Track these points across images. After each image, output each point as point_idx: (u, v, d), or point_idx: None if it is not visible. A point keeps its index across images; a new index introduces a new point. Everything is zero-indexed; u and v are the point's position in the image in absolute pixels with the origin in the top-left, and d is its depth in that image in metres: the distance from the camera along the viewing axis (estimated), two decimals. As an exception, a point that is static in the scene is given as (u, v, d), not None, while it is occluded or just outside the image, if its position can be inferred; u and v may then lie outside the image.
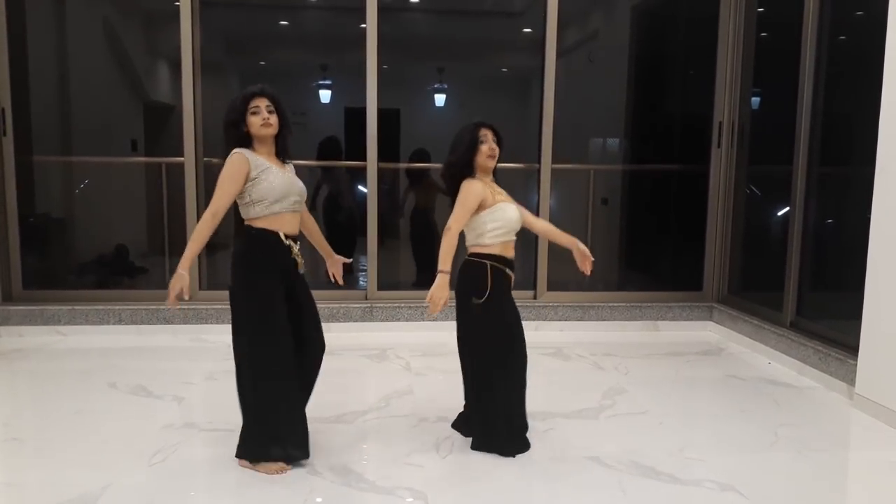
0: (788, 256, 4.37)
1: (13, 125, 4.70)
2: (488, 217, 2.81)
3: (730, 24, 5.02)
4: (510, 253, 2.89)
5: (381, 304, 4.82)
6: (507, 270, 2.87)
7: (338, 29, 7.33)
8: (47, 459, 2.80)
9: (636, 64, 6.33)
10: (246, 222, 2.68)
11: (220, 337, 4.64)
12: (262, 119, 2.65)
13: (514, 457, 2.82)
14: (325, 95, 8.06)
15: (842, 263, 4.30)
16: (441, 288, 2.70)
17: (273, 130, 2.69)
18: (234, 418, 3.18)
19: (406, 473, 2.69)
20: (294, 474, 2.67)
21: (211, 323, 4.73)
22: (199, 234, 2.59)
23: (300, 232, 2.82)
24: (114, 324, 4.68)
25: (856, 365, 3.53)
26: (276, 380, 2.64)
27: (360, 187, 5.08)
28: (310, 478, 2.64)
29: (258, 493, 2.54)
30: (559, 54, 4.95)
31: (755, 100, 5.00)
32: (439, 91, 8.03)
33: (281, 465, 2.67)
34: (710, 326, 5.08)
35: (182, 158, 4.81)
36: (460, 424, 3.00)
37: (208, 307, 4.75)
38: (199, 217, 4.78)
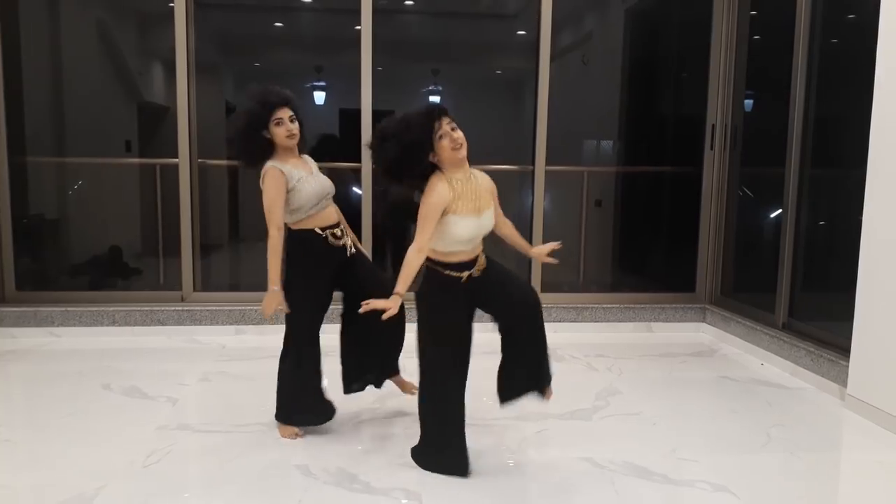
0: (781, 258, 4.39)
1: (6, 126, 4.69)
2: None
3: (723, 27, 5.05)
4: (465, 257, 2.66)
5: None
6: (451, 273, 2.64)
7: (332, 30, 7.34)
8: (41, 461, 2.80)
9: (630, 66, 6.35)
10: (288, 224, 2.90)
11: (213, 338, 4.64)
12: (286, 130, 2.77)
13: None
14: (319, 97, 8.07)
15: (834, 265, 4.33)
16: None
17: (297, 139, 2.84)
18: (227, 419, 3.20)
19: (400, 474, 2.70)
20: (288, 475, 2.68)
21: (205, 324, 4.73)
22: (274, 249, 2.78)
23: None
24: (108, 325, 4.67)
25: (847, 366, 3.55)
26: (310, 357, 3.00)
27: (355, 189, 5.09)
28: (304, 479, 2.65)
29: (252, 493, 2.54)
30: (553, 56, 4.97)
31: (748, 102, 5.03)
32: (434, 93, 8.04)
33: (295, 430, 2.99)
34: (703, 328, 5.10)
35: (176, 159, 4.81)
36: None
37: (202, 308, 4.75)
38: (192, 218, 4.81)
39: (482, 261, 2.70)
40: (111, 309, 4.69)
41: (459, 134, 2.54)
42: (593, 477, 2.71)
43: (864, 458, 3.05)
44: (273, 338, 4.65)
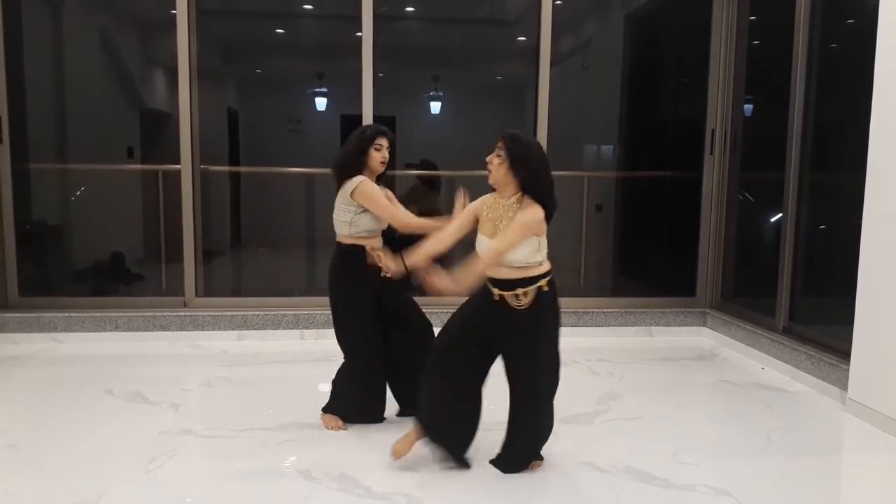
0: (781, 262, 4.40)
1: (9, 132, 4.71)
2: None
3: (722, 32, 5.07)
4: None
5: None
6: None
7: (333, 37, 7.37)
8: (43, 467, 2.81)
9: (630, 71, 6.37)
10: (339, 238, 3.13)
11: (216, 343, 4.65)
12: (382, 157, 3.10)
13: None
14: (320, 103, 8.09)
15: (834, 269, 4.34)
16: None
17: (384, 168, 3.14)
18: (230, 424, 3.21)
19: (402, 478, 2.70)
20: (290, 480, 2.68)
21: (207, 329, 4.74)
22: (420, 225, 3.04)
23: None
24: (110, 331, 4.68)
25: (848, 370, 3.56)
26: (361, 359, 3.17)
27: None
28: (306, 483, 2.66)
29: (255, 498, 2.54)
30: (553, 62, 4.99)
31: (748, 107, 5.04)
32: (435, 99, 8.07)
33: (341, 423, 3.19)
34: (704, 332, 5.11)
35: (178, 166, 4.83)
36: None
37: (204, 314, 4.76)
38: (194, 224, 4.84)
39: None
40: (114, 315, 4.70)
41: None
42: (595, 481, 2.72)
43: (864, 461, 3.05)
44: (274, 343, 4.68)
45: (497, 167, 2.60)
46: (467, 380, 2.74)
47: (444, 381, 2.73)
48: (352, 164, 3.07)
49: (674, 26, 6.12)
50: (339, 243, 3.13)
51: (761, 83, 4.96)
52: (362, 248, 3.10)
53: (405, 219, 3.11)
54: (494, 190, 2.67)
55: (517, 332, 2.63)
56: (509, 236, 2.53)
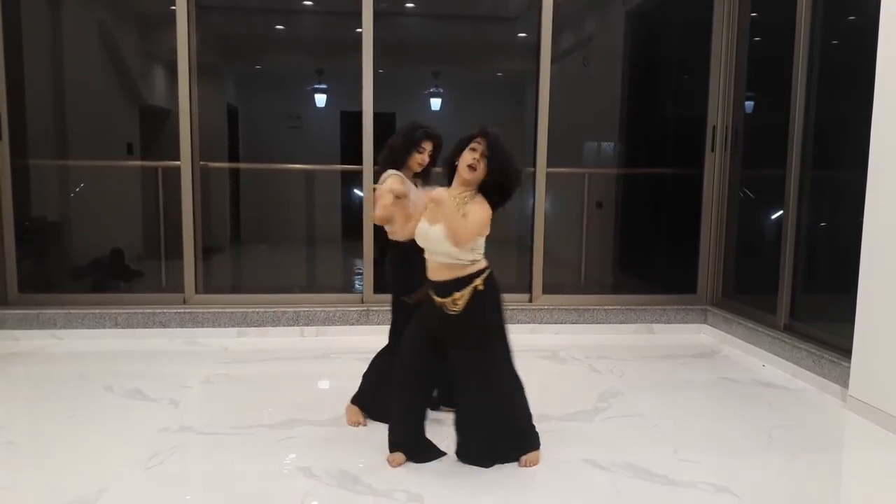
0: (782, 259, 4.40)
1: (9, 129, 4.70)
2: None
3: (723, 29, 5.06)
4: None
5: (378, 308, 4.83)
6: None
7: (333, 33, 7.36)
8: (43, 463, 2.81)
9: (630, 68, 6.36)
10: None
11: (215, 340, 4.65)
12: (421, 159, 3.14)
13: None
14: (320, 99, 8.09)
15: (835, 266, 4.33)
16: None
17: (420, 170, 3.17)
18: (229, 421, 3.20)
19: (403, 476, 2.70)
20: (291, 477, 2.68)
21: (207, 326, 4.74)
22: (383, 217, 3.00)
23: None
24: (110, 327, 4.68)
25: (849, 367, 3.55)
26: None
27: (357, 191, 5.10)
28: (306, 480, 2.65)
29: (255, 495, 2.54)
30: (554, 58, 4.98)
31: (749, 104, 5.03)
32: (435, 95, 8.06)
33: (362, 420, 3.20)
34: (705, 329, 5.11)
35: (178, 162, 4.82)
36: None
37: (204, 311, 4.76)
38: (194, 220, 4.84)
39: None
40: (113, 311, 4.70)
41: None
42: (595, 478, 2.72)
43: (865, 458, 3.05)
44: (273, 340, 4.68)
45: (481, 169, 2.63)
46: (429, 388, 2.82)
47: (408, 391, 2.79)
48: (393, 161, 3.13)
49: (675, 23, 6.11)
50: (394, 242, 3.18)
51: (762, 80, 4.95)
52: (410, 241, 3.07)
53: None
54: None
55: (459, 334, 2.69)
56: (475, 226, 2.58)
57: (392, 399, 2.84)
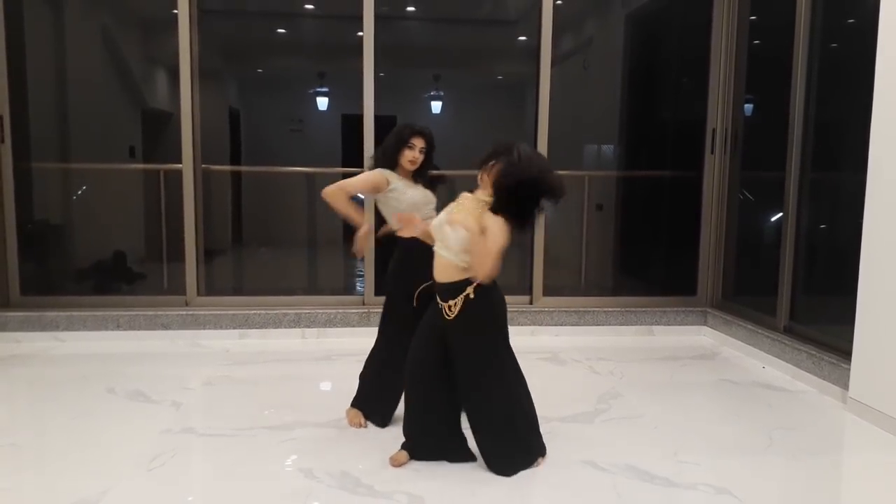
0: (782, 261, 4.40)
1: (11, 132, 4.72)
2: None
3: (723, 32, 5.07)
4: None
5: (378, 310, 4.82)
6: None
7: (334, 37, 7.38)
8: (45, 465, 2.82)
9: (630, 71, 6.37)
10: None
11: (217, 342, 4.66)
12: (412, 156, 3.10)
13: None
14: (322, 103, 8.10)
15: (835, 268, 4.34)
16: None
17: (415, 167, 3.13)
18: (231, 423, 3.21)
19: (404, 478, 2.71)
20: (292, 479, 2.69)
21: (209, 328, 4.75)
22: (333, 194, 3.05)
23: None
24: (112, 329, 4.69)
25: (849, 369, 3.56)
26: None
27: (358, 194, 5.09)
28: (308, 482, 2.66)
29: (256, 497, 2.55)
30: (554, 62, 4.99)
31: (748, 106, 5.04)
32: (435, 98, 8.07)
33: (362, 421, 3.19)
34: (705, 331, 5.11)
35: (180, 165, 4.83)
36: None
37: (206, 313, 4.77)
38: (196, 223, 4.85)
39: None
40: (115, 313, 4.71)
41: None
42: (595, 480, 2.72)
43: (866, 460, 3.06)
44: (275, 342, 4.69)
45: (485, 183, 2.62)
46: (439, 382, 2.79)
47: (418, 390, 2.80)
48: (386, 160, 3.13)
49: (674, 26, 6.12)
50: (398, 238, 3.17)
51: (762, 82, 4.96)
52: (411, 238, 3.03)
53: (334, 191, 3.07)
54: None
55: (455, 339, 2.71)
56: (494, 257, 2.53)
57: (405, 391, 2.88)
